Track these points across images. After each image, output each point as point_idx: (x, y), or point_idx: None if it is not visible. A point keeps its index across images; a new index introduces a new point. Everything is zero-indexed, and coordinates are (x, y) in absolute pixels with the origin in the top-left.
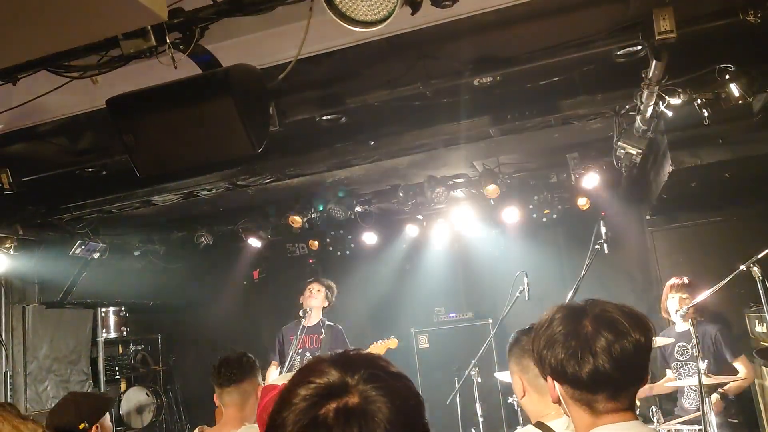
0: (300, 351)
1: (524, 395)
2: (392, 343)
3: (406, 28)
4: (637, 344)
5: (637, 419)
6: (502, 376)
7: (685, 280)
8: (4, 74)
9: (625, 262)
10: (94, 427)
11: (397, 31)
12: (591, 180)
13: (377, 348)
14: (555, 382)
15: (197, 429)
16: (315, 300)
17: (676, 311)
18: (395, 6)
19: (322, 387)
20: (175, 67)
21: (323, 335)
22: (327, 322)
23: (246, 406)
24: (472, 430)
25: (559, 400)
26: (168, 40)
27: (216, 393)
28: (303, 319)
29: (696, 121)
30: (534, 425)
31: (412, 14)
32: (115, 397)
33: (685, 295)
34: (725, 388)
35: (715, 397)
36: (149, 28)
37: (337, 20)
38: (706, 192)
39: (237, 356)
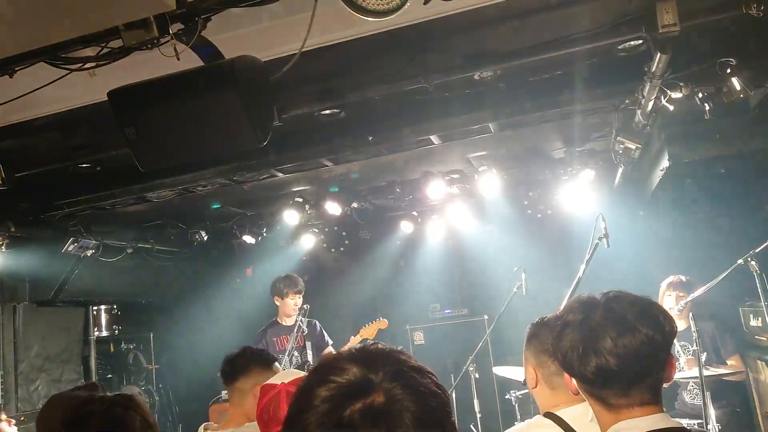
0: (287, 352)
1: (536, 386)
2: (382, 324)
3: (408, 21)
4: (645, 340)
5: (662, 411)
6: (501, 371)
7: (683, 278)
8: (1, 66)
9: (618, 258)
10: None
11: (399, 24)
12: (586, 176)
13: (368, 331)
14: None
15: (202, 426)
16: (298, 305)
17: (670, 309)
18: None
19: (345, 386)
20: (178, 59)
21: (305, 333)
22: (305, 319)
23: (245, 404)
24: (471, 426)
25: (578, 392)
26: (171, 31)
27: None
28: (300, 319)
29: (693, 117)
30: (543, 415)
31: (425, 3)
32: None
33: (681, 294)
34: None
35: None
36: (152, 18)
37: (349, 9)
38: (700, 187)
39: (234, 355)
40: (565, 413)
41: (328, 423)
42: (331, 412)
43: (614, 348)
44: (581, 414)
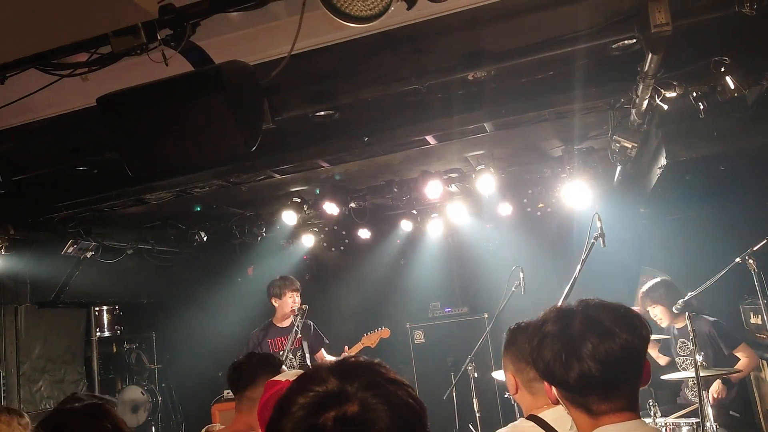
0: (282, 354)
1: (517, 392)
2: (384, 332)
3: (400, 22)
4: (625, 345)
5: (638, 417)
6: (499, 375)
7: (642, 290)
8: None
9: (619, 255)
10: None
11: (391, 25)
12: (584, 174)
13: (369, 339)
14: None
15: (204, 429)
16: (297, 304)
17: (660, 320)
18: (390, 1)
19: (321, 395)
20: (167, 65)
21: (300, 335)
22: (300, 320)
23: (252, 412)
24: (470, 425)
25: (558, 401)
26: (159, 37)
27: None
28: (299, 320)
29: (690, 114)
30: (527, 418)
31: (408, 9)
32: (115, 401)
33: (649, 306)
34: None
35: (717, 384)
36: (140, 25)
37: (332, 15)
38: (699, 185)
39: (240, 362)
40: (547, 414)
41: (302, 429)
42: (306, 419)
43: (596, 354)
44: (563, 415)
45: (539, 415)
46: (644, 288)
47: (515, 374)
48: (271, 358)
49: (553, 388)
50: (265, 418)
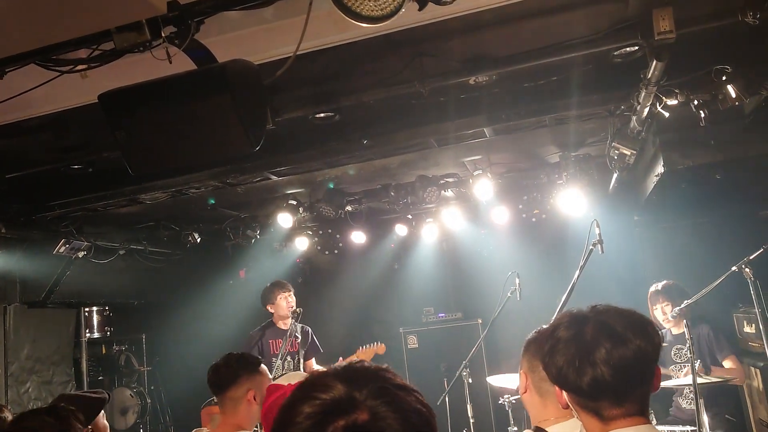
0: (280, 356)
1: (525, 392)
2: (380, 348)
3: (403, 25)
4: (638, 351)
5: (649, 422)
6: (494, 380)
7: (659, 287)
8: None
9: (613, 262)
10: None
11: (394, 28)
12: (581, 180)
13: (364, 353)
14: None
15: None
16: (293, 305)
17: (664, 317)
18: (402, 1)
19: (328, 403)
20: (170, 62)
21: (299, 338)
22: (298, 324)
23: (236, 413)
24: (464, 431)
25: (568, 405)
26: (163, 34)
27: None
28: (293, 324)
29: (688, 123)
30: (533, 431)
31: (420, 10)
32: (108, 396)
33: (665, 303)
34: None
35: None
36: (144, 21)
37: (342, 15)
38: (695, 193)
39: (219, 363)
40: (555, 429)
41: None
42: (314, 428)
43: (609, 359)
44: (571, 430)
45: (546, 429)
46: (657, 286)
47: (528, 372)
48: (249, 357)
49: (564, 392)
50: (269, 421)
